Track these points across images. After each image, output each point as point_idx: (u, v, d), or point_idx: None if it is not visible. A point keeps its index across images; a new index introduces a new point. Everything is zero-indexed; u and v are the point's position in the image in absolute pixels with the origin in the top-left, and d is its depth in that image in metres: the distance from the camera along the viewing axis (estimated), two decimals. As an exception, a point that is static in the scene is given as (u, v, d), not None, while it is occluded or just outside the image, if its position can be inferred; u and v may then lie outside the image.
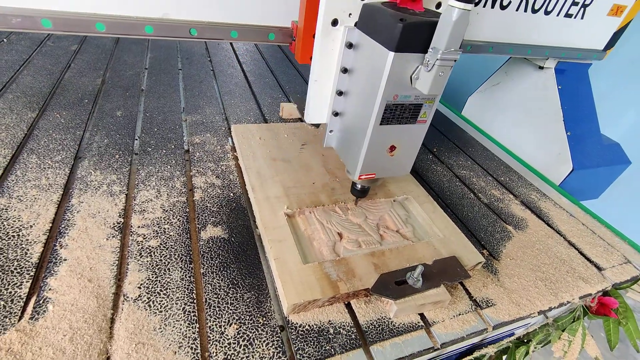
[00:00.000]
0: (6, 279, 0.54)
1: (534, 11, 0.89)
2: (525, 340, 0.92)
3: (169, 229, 0.67)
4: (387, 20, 0.48)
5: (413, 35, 0.47)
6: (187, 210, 0.72)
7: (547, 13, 0.91)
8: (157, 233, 0.66)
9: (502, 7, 0.85)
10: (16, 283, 0.53)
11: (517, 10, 0.86)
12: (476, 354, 0.77)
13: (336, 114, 0.66)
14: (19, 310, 0.50)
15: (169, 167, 0.83)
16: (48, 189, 0.71)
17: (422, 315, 0.61)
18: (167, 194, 0.75)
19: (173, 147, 0.90)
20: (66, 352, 0.46)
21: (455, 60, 0.47)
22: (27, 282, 0.54)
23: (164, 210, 0.71)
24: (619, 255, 0.84)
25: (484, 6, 0.83)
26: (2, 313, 0.49)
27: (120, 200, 0.71)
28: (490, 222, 0.86)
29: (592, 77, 1.28)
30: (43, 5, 0.55)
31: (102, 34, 0.59)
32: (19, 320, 0.49)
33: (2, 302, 0.51)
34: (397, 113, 0.56)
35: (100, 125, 0.93)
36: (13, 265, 0.56)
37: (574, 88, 1.12)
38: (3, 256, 0.57)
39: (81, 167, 0.78)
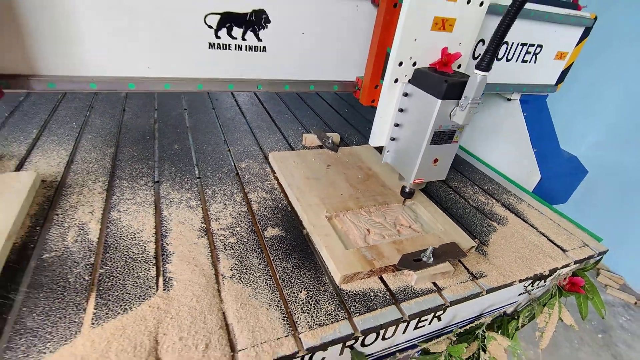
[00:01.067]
0: (138, 266, 0.74)
1: (499, 59, 1.18)
2: (516, 317, 1.14)
3: (240, 230, 0.89)
4: (435, 80, 0.77)
5: (452, 89, 0.75)
6: (250, 217, 0.94)
7: (508, 60, 1.20)
8: (233, 233, 0.88)
9: (475, 58, 1.13)
10: (145, 268, 0.74)
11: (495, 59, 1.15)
12: (477, 322, 0.99)
13: (393, 139, 0.92)
14: (154, 285, 0.71)
15: (227, 186, 1.06)
16: (143, 204, 0.92)
17: (434, 283, 0.83)
18: (232, 206, 0.97)
19: (226, 171, 1.13)
20: (196, 309, 0.67)
21: (479, 104, 0.74)
22: (152, 267, 0.75)
23: (233, 217, 0.93)
24: (578, 240, 1.08)
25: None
26: (144, 287, 0.70)
27: (198, 211, 0.93)
28: (478, 220, 1.11)
29: (559, 103, 1.58)
30: (90, 72, 0.76)
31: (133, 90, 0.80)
32: (156, 291, 0.70)
33: (141, 281, 0.71)
34: (441, 136, 0.82)
35: (165, 156, 1.16)
36: (139, 257, 0.77)
37: (536, 114, 1.41)
38: (130, 251, 0.78)
39: (162, 188, 1.00)
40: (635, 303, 2.60)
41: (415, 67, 0.85)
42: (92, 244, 0.78)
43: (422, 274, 0.81)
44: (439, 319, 0.92)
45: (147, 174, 1.05)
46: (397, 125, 0.91)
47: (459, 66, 0.90)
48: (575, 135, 2.76)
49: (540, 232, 1.09)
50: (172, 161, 1.14)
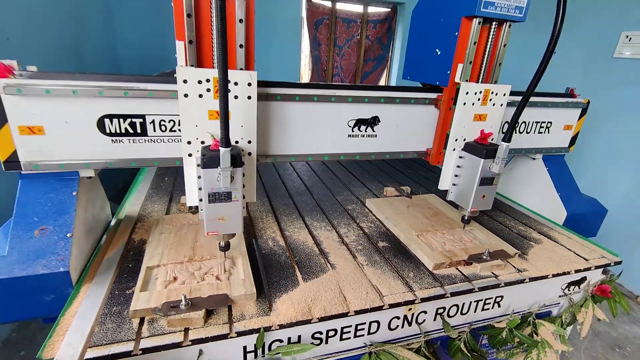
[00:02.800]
0: (314, 257, 1.30)
1: (520, 132, 1.75)
2: (560, 317, 1.52)
3: (362, 242, 1.44)
4: (478, 148, 1.33)
5: (489, 153, 1.30)
6: (365, 236, 1.49)
7: (527, 133, 1.76)
8: (359, 244, 1.43)
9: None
10: (318, 258, 1.30)
11: (517, 132, 1.72)
12: (528, 311, 1.40)
13: (454, 184, 1.47)
14: (327, 266, 1.26)
15: (345, 219, 1.63)
16: (300, 228, 1.51)
17: (492, 272, 1.30)
18: (352, 230, 1.53)
19: (341, 210, 1.72)
20: (354, 277, 1.20)
21: (507, 160, 1.29)
22: (322, 258, 1.30)
23: (355, 236, 1.49)
24: (597, 253, 1.49)
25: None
26: (322, 266, 1.25)
27: (333, 232, 1.50)
28: (520, 240, 1.56)
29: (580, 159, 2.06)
30: (292, 152, 1.41)
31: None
32: (329, 269, 1.24)
33: (319, 264, 1.27)
34: (486, 181, 1.36)
35: (300, 201, 1.78)
36: (312, 253, 1.33)
37: (557, 168, 1.90)
38: (306, 251, 1.35)
39: (306, 219, 1.60)
40: None
41: (465, 141, 1.43)
42: (283, 247, 1.37)
43: (484, 266, 1.29)
44: (499, 305, 1.36)
45: (294, 212, 1.67)
46: (456, 175, 1.46)
47: (492, 139, 1.47)
48: (609, 185, 3.12)
49: (568, 249, 1.52)
50: (306, 204, 1.75)
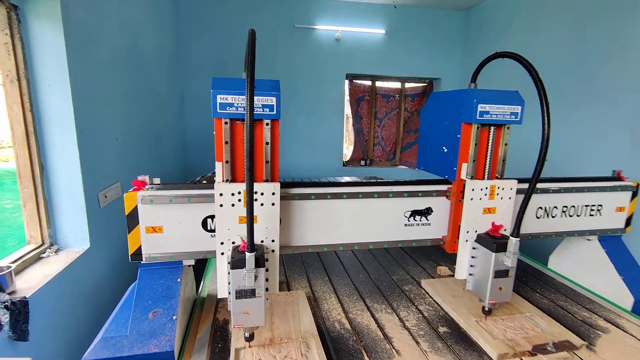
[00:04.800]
0: (378, 342, 1.40)
1: (570, 216, 1.81)
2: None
3: (423, 327, 1.52)
4: (489, 242, 1.43)
5: (500, 247, 1.39)
6: (425, 320, 1.57)
7: (578, 216, 1.82)
8: (420, 329, 1.50)
9: (556, 216, 1.78)
10: (383, 344, 1.39)
11: (566, 216, 1.79)
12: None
13: (470, 274, 1.55)
14: (393, 352, 1.35)
15: (403, 301, 1.73)
16: (362, 310, 1.63)
17: (559, 365, 1.31)
18: (412, 314, 1.62)
19: (398, 292, 1.82)
20: (421, 364, 1.28)
21: (518, 254, 1.38)
22: (386, 343, 1.39)
23: (416, 320, 1.57)
24: (674, 347, 1.44)
25: (547, 217, 1.78)
26: (388, 352, 1.34)
27: (394, 316, 1.60)
28: (585, 329, 1.55)
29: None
30: (343, 241, 1.58)
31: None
32: (395, 356, 1.33)
33: (385, 349, 1.36)
34: (500, 273, 1.43)
35: (363, 283, 1.91)
36: (377, 338, 1.43)
37: (615, 249, 1.90)
38: (370, 335, 1.45)
39: (367, 301, 1.71)
40: None
41: (477, 232, 1.53)
42: (349, 330, 1.48)
43: (550, 358, 1.31)
44: (571, 401, 1.33)
45: (354, 292, 1.79)
46: (472, 266, 1.54)
47: (505, 229, 1.53)
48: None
49: (637, 339, 1.48)
50: (364, 284, 1.88)
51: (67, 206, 1.98)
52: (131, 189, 1.35)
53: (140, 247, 1.36)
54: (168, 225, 1.37)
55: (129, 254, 1.36)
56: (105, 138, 2.30)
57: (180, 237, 1.39)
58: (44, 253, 1.93)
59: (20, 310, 1.47)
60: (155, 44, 3.45)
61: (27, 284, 1.65)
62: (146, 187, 1.38)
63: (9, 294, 1.55)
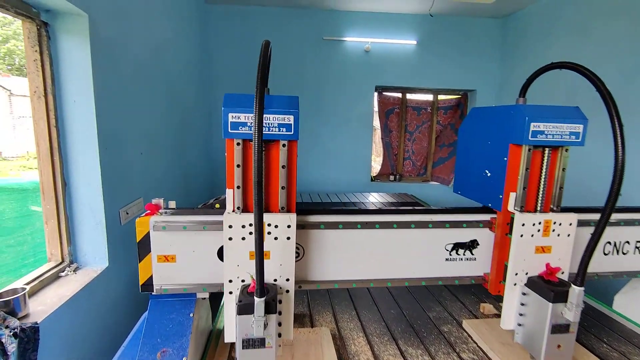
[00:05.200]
0: None
1: (633, 253, 1.53)
2: None
3: (468, 382, 1.29)
4: (545, 289, 1.18)
5: (559, 296, 1.14)
6: (470, 372, 1.34)
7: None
8: (464, 384, 1.28)
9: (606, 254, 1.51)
10: None
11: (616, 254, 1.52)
12: None
13: (520, 325, 1.30)
14: None
15: (442, 346, 1.50)
16: (395, 355, 1.42)
17: None
18: (453, 362, 1.40)
19: (436, 333, 1.60)
20: None
21: (582, 308, 1.12)
22: None
23: (458, 372, 1.35)
24: None
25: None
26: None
27: (432, 364, 1.38)
28: (673, 397, 1.26)
29: None
30: (368, 277, 1.39)
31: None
32: None
33: None
34: (558, 328, 1.17)
35: (395, 320, 1.71)
36: None
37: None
38: None
39: (400, 344, 1.51)
40: None
41: (528, 275, 1.27)
42: (380, 381, 1.28)
43: None
44: None
45: (385, 332, 1.59)
46: (521, 315, 1.29)
47: (563, 272, 1.27)
48: None
49: None
50: (397, 321, 1.67)
51: (88, 223, 1.93)
52: (144, 214, 1.25)
53: (151, 277, 1.25)
54: (181, 254, 1.25)
55: (140, 284, 1.25)
56: (129, 153, 2.26)
57: (194, 268, 1.26)
58: (62, 272, 1.88)
59: (29, 338, 1.39)
60: (183, 59, 3.46)
61: (41, 307, 1.59)
62: (160, 211, 1.27)
63: (21, 317, 1.48)
